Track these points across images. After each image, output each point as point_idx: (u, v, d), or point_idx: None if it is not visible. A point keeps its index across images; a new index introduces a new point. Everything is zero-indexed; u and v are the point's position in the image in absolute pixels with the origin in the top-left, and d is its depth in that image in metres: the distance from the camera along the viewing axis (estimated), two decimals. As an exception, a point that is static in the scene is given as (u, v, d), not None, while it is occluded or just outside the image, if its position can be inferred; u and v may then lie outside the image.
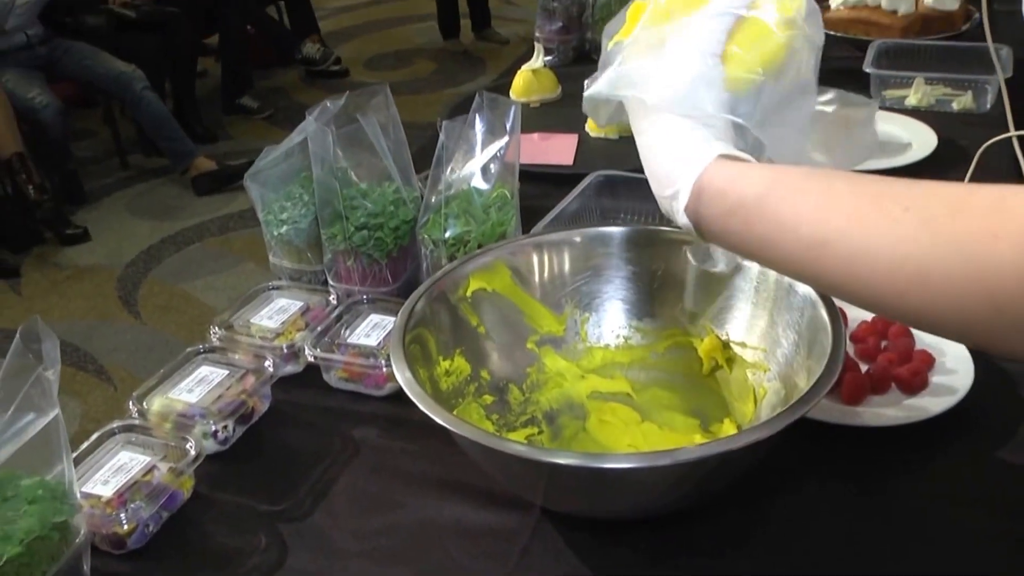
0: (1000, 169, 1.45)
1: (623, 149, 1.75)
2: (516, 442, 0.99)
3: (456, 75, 6.07)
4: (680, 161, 0.81)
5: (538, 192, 1.51)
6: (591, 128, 1.85)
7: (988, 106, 1.75)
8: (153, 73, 4.77)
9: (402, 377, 0.93)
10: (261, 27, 5.93)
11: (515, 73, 2.08)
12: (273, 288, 1.32)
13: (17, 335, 0.86)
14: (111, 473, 1.00)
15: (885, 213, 0.65)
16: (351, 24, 7.37)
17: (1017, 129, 1.42)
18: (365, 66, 6.43)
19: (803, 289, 0.99)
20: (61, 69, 4.62)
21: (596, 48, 2.27)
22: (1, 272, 4.06)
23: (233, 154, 4.93)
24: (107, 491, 0.98)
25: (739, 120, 0.83)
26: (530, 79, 2.04)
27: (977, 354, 1.11)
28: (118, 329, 3.61)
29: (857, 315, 1.19)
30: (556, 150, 1.77)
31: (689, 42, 0.84)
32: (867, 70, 1.86)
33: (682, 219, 0.81)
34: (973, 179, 1.38)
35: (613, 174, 1.51)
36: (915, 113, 1.75)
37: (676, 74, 0.83)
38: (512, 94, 2.02)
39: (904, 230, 0.63)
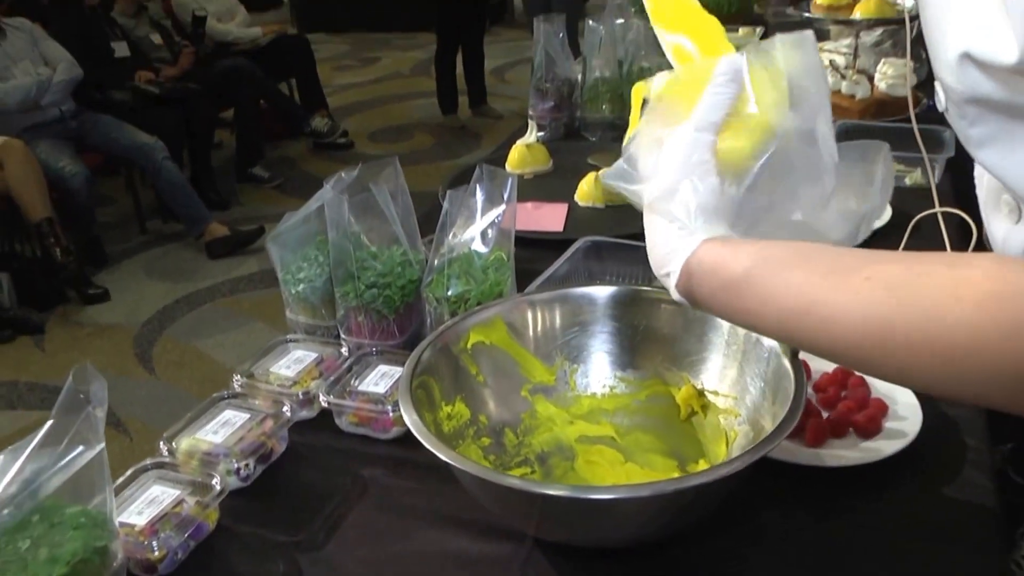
0: (935, 238, 1.53)
1: (609, 217, 1.82)
2: (511, 476, 1.03)
3: (454, 148, 6.11)
4: (670, 248, 0.86)
5: (531, 256, 1.54)
6: (580, 198, 1.90)
7: (936, 181, 1.81)
8: (173, 144, 4.81)
9: (409, 419, 0.96)
10: (273, 102, 5.98)
11: (510, 147, 2.13)
12: (290, 341, 1.36)
13: (70, 377, 0.90)
14: (144, 505, 1.04)
15: (856, 283, 0.70)
16: (357, 100, 7.43)
17: (957, 202, 1.50)
18: (369, 139, 6.47)
19: (768, 342, 1.04)
20: (89, 140, 4.67)
21: (585, 125, 2.33)
22: (27, 329, 4.08)
23: (245, 220, 4.97)
24: (141, 521, 1.02)
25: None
26: (524, 153, 2.09)
27: (925, 402, 1.15)
28: (134, 384, 3.62)
29: (819, 367, 1.24)
30: (548, 218, 1.80)
31: (678, 150, 0.88)
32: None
33: (676, 296, 0.86)
34: (908, 247, 1.43)
35: (600, 239, 1.54)
36: (872, 186, 1.79)
37: (666, 177, 0.88)
38: (508, 166, 2.06)
39: (872, 296, 0.68)
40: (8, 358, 3.93)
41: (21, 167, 4.13)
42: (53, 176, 4.30)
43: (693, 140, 0.87)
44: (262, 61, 5.83)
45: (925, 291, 0.66)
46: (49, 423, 0.88)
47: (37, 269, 4.35)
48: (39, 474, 0.87)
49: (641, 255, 0.99)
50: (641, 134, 0.93)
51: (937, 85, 0.94)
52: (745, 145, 0.89)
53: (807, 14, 2.36)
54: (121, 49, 5.10)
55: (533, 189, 1.99)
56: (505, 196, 1.31)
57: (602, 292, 1.19)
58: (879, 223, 1.63)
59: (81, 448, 0.88)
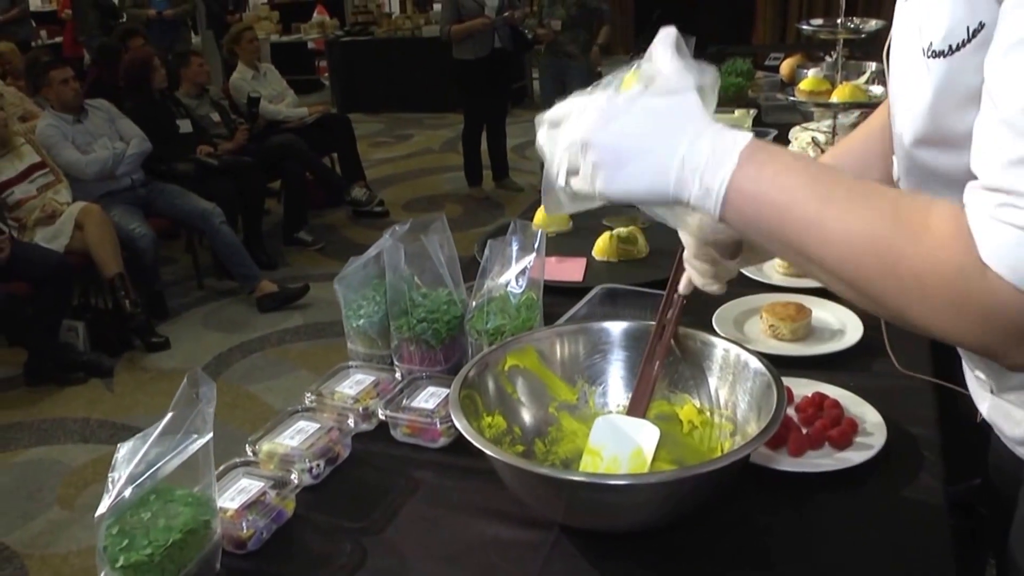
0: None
1: (621, 269, 1.92)
2: (542, 465, 1.13)
3: (479, 216, 6.16)
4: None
5: (556, 301, 1.63)
6: (596, 253, 2.01)
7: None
8: (228, 210, 4.91)
9: (459, 422, 1.07)
10: (317, 174, 6.05)
11: (535, 210, 2.24)
12: (351, 367, 1.47)
13: (185, 380, 1.02)
14: (235, 493, 1.15)
15: (860, 209, 0.76)
16: (391, 172, 7.51)
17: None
18: (403, 208, 6.52)
19: (754, 364, 1.15)
20: (156, 207, 4.79)
21: (600, 192, 2.44)
22: (98, 372, 4.18)
23: (290, 279, 5.04)
24: (233, 505, 1.13)
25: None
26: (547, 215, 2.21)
27: (890, 420, 1.26)
28: (192, 423, 3.69)
29: (800, 392, 1.35)
30: (569, 270, 1.91)
31: None
32: None
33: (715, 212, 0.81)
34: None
35: (613, 287, 1.65)
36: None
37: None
38: (534, 226, 2.15)
39: (871, 216, 0.75)
40: (81, 397, 4.03)
41: (98, 229, 4.26)
42: (124, 237, 4.41)
43: None
44: (308, 137, 5.92)
45: (906, 224, 0.74)
46: (169, 416, 1.00)
47: (108, 319, 4.46)
48: (160, 456, 0.99)
49: (648, 300, 1.09)
50: None
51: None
52: None
53: (792, 98, 2.48)
54: (185, 126, 5.23)
55: (556, 246, 2.07)
56: (535, 247, 1.42)
57: (616, 327, 1.29)
58: (853, 339, 1.57)
59: (194, 436, 1.00)
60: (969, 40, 0.77)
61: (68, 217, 4.29)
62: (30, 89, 5.21)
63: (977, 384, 1.06)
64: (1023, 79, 0.69)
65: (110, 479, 0.99)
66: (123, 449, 1.00)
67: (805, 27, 2.40)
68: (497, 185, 6.75)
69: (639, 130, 0.82)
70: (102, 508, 0.98)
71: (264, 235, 5.53)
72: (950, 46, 0.79)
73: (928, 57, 0.82)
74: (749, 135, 0.80)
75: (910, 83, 0.88)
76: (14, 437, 3.74)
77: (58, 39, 10.14)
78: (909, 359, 1.39)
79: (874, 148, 1.16)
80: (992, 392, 1.02)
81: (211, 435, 1.02)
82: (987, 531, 1.26)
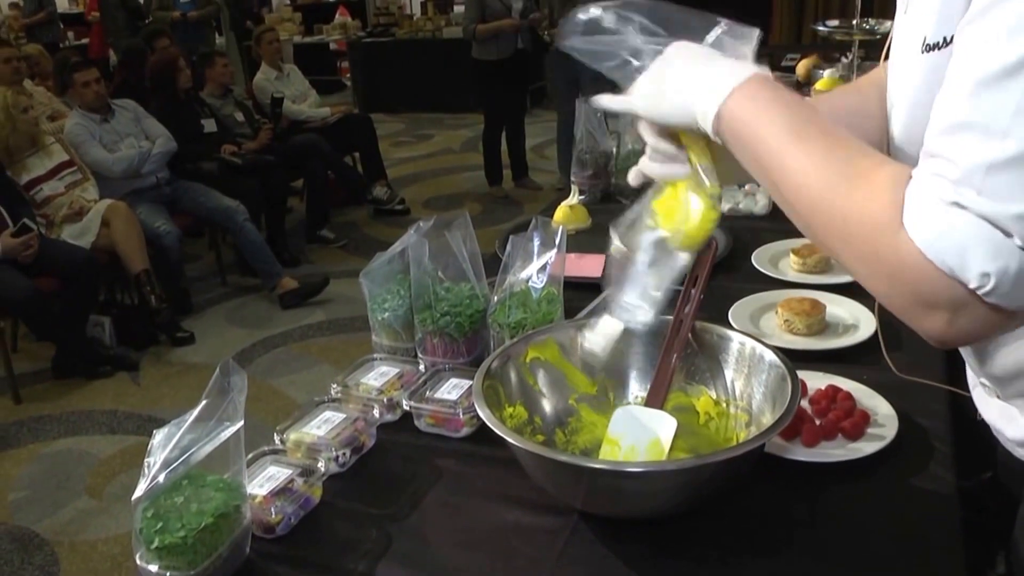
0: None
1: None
2: (562, 452, 1.15)
3: (498, 215, 6.17)
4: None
5: (575, 296, 1.63)
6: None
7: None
8: (252, 209, 4.94)
9: (482, 411, 1.09)
10: (339, 173, 6.07)
11: (556, 208, 2.27)
12: (376, 359, 1.49)
13: (217, 370, 1.05)
14: (264, 480, 1.18)
15: (821, 149, 0.82)
16: (412, 172, 7.52)
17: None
18: (424, 206, 6.53)
19: (769, 357, 1.17)
20: (181, 204, 4.82)
21: (620, 190, 2.47)
22: (125, 366, 4.22)
23: (313, 276, 5.04)
24: (262, 492, 1.16)
25: None
26: (567, 212, 2.23)
27: (901, 413, 1.27)
28: (216, 416, 3.72)
29: (814, 385, 1.36)
30: (588, 266, 1.91)
31: None
32: None
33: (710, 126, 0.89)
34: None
35: (632, 282, 1.67)
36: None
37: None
38: (554, 222, 2.17)
39: (828, 158, 0.81)
40: (109, 390, 4.08)
41: (124, 225, 4.30)
42: (150, 234, 4.45)
43: None
44: (330, 137, 5.95)
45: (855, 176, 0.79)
46: (202, 403, 1.03)
47: (134, 314, 4.50)
48: (194, 443, 1.01)
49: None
50: None
51: None
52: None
53: (807, 98, 2.48)
54: (209, 126, 5.27)
55: (575, 243, 2.04)
56: (556, 243, 1.44)
57: (630, 321, 1.30)
58: (866, 333, 1.58)
59: (227, 424, 1.03)
60: None
61: (95, 214, 4.33)
62: (58, 89, 5.27)
63: (984, 391, 1.07)
64: (978, 47, 0.71)
65: (146, 464, 1.02)
66: (158, 436, 1.03)
67: (821, 28, 2.40)
68: (516, 184, 6.75)
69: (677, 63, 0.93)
70: (138, 492, 1.01)
71: (287, 233, 5.56)
72: (944, 38, 0.81)
73: (923, 52, 0.84)
74: (755, 71, 0.88)
75: (906, 86, 0.90)
76: (44, 428, 3.79)
77: (85, 40, 10.23)
78: (916, 357, 1.40)
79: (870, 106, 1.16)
80: (999, 397, 1.03)
81: (242, 423, 1.04)
82: (997, 525, 1.27)
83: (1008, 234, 0.70)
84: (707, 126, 0.90)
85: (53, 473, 3.45)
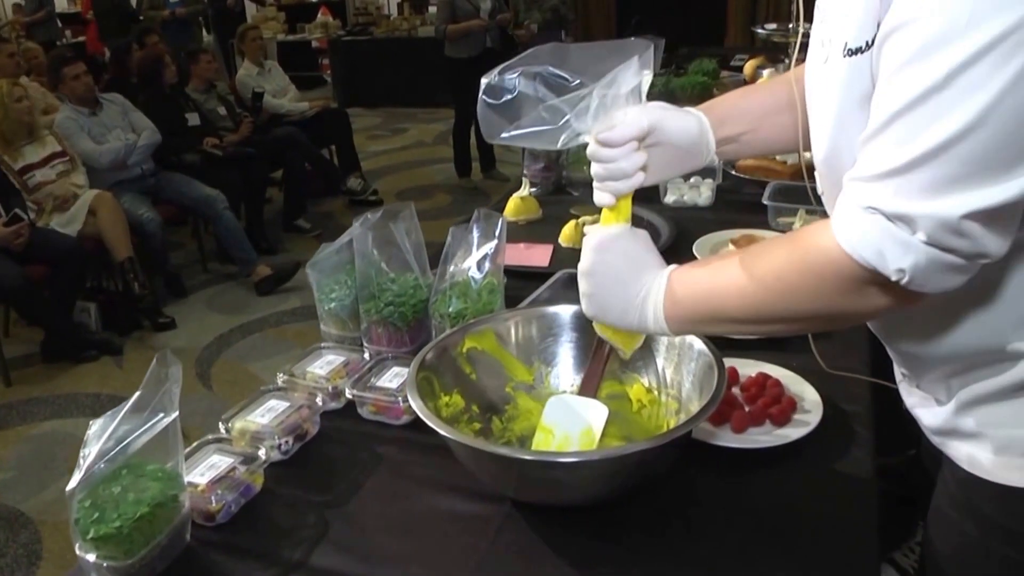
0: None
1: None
2: (495, 444, 1.11)
3: (468, 205, 6.00)
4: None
5: (523, 285, 1.63)
6: (563, 240, 1.98)
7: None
8: (232, 199, 4.84)
9: (415, 403, 1.05)
10: (316, 165, 5.98)
11: (508, 200, 2.22)
12: (323, 347, 1.44)
13: (154, 360, 1.00)
14: (206, 469, 1.13)
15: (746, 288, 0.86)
16: (386, 164, 7.43)
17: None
18: (396, 197, 6.43)
19: (698, 346, 1.12)
20: (164, 194, 4.72)
21: (569, 182, 2.42)
22: (109, 350, 4.13)
23: (290, 263, 4.94)
24: (203, 480, 1.10)
25: None
26: (519, 203, 2.18)
27: (826, 400, 1.24)
28: (195, 398, 3.66)
29: (746, 372, 1.33)
30: (536, 256, 1.89)
31: None
32: (765, 202, 2.01)
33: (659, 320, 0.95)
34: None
35: (575, 272, 1.61)
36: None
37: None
38: (506, 214, 2.13)
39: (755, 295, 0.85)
40: (93, 373, 3.99)
41: (110, 214, 4.21)
42: (134, 223, 4.36)
43: None
44: (308, 130, 5.85)
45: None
46: (137, 394, 0.98)
47: (119, 300, 4.41)
48: (129, 433, 0.96)
49: None
50: None
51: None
52: None
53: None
54: (193, 119, 5.16)
55: (526, 233, 2.07)
56: (497, 234, 1.39)
57: (567, 311, 1.26)
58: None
59: (161, 415, 0.97)
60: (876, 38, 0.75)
61: (82, 203, 4.24)
62: (52, 85, 5.17)
63: (905, 380, 1.05)
64: (899, 62, 0.70)
65: (81, 455, 0.97)
66: (94, 427, 0.98)
67: (760, 31, 2.37)
68: (485, 176, 6.69)
69: (612, 284, 0.98)
70: (72, 483, 0.96)
71: (265, 223, 5.47)
72: (866, 42, 0.77)
73: (845, 56, 0.80)
74: (667, 273, 0.95)
75: (830, 90, 0.85)
76: (32, 411, 3.71)
77: (82, 38, 10.06)
78: (845, 347, 1.37)
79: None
80: (918, 387, 1.01)
81: (177, 413, 0.99)
82: (917, 498, 1.26)
83: (914, 231, 0.72)
84: (662, 331, 0.96)
85: (39, 454, 3.37)
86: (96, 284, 4.54)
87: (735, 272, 0.88)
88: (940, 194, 0.70)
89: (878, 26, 0.74)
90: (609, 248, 0.98)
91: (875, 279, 0.77)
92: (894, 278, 0.75)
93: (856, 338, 1.40)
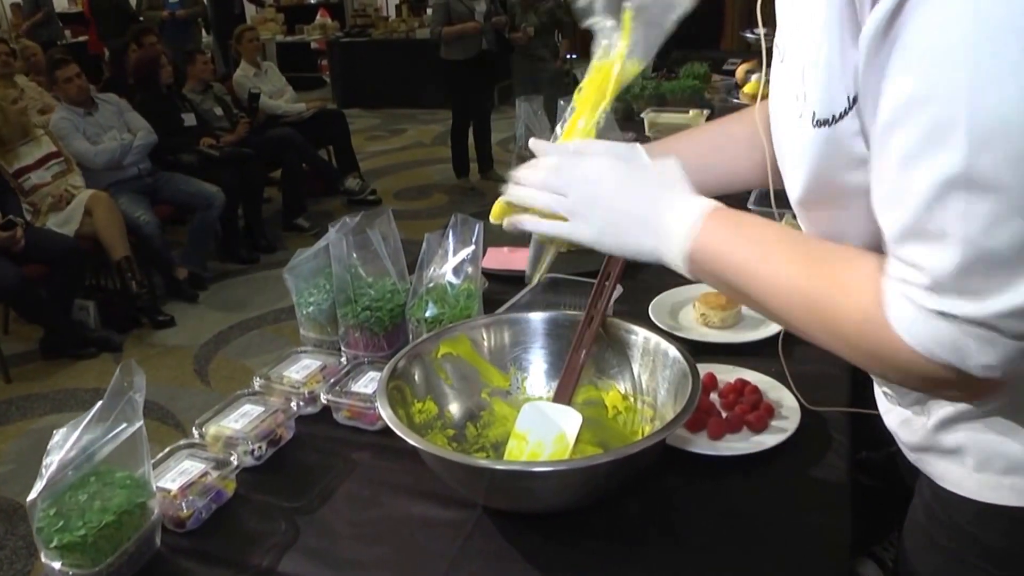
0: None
1: (566, 259, 1.82)
2: (463, 455, 1.08)
3: (465, 205, 6.05)
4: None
5: (506, 289, 1.60)
6: (493, 217, 1.94)
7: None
8: (230, 199, 4.82)
9: (384, 412, 1.01)
10: (314, 165, 5.96)
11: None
12: (301, 351, 1.41)
13: (117, 370, 0.97)
14: (177, 475, 1.10)
15: (792, 266, 0.78)
16: (384, 164, 7.40)
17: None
18: (395, 197, 6.43)
19: (673, 353, 1.10)
20: (161, 195, 4.69)
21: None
22: (108, 347, 4.11)
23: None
24: (174, 486, 1.08)
25: None
26: (504, 207, 2.13)
27: (803, 406, 1.21)
28: (193, 394, 3.63)
29: (724, 378, 1.30)
30: (520, 259, 1.83)
31: None
32: (751, 207, 1.96)
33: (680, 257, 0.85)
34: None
35: (556, 276, 1.59)
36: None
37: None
38: (491, 218, 2.10)
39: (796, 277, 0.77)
40: (93, 370, 3.97)
41: (106, 214, 4.18)
42: (131, 223, 4.34)
43: None
44: (305, 131, 5.82)
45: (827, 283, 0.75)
46: (99, 404, 0.95)
47: (117, 298, 4.39)
48: (93, 443, 0.94)
49: (588, 288, 1.05)
50: None
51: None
52: None
53: (736, 99, 2.43)
54: (189, 119, 5.13)
55: (510, 237, 1.98)
56: (474, 240, 1.36)
57: (538, 317, 1.24)
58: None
59: (125, 425, 0.95)
60: (850, 108, 0.70)
61: (78, 204, 4.21)
62: (49, 84, 5.14)
63: (885, 399, 1.02)
64: (912, 155, 0.63)
65: (44, 464, 0.94)
66: (57, 436, 0.96)
67: (749, 36, 2.34)
68: (482, 176, 6.66)
69: (620, 195, 0.90)
70: (33, 493, 0.93)
71: (264, 222, 5.45)
72: (833, 115, 0.72)
73: (814, 127, 0.75)
74: (708, 206, 0.84)
75: (794, 147, 0.81)
76: (31, 406, 3.70)
77: (83, 38, 10.01)
78: (822, 353, 1.33)
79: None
80: (899, 405, 0.98)
81: (141, 423, 0.96)
82: (895, 495, 1.24)
83: (996, 330, 0.64)
84: (676, 267, 0.86)
85: (38, 448, 3.27)
86: (95, 283, 4.52)
87: (782, 279, 0.79)
88: (1010, 286, 0.62)
89: (848, 99, 0.69)
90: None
91: (952, 375, 0.68)
92: (980, 374, 0.66)
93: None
